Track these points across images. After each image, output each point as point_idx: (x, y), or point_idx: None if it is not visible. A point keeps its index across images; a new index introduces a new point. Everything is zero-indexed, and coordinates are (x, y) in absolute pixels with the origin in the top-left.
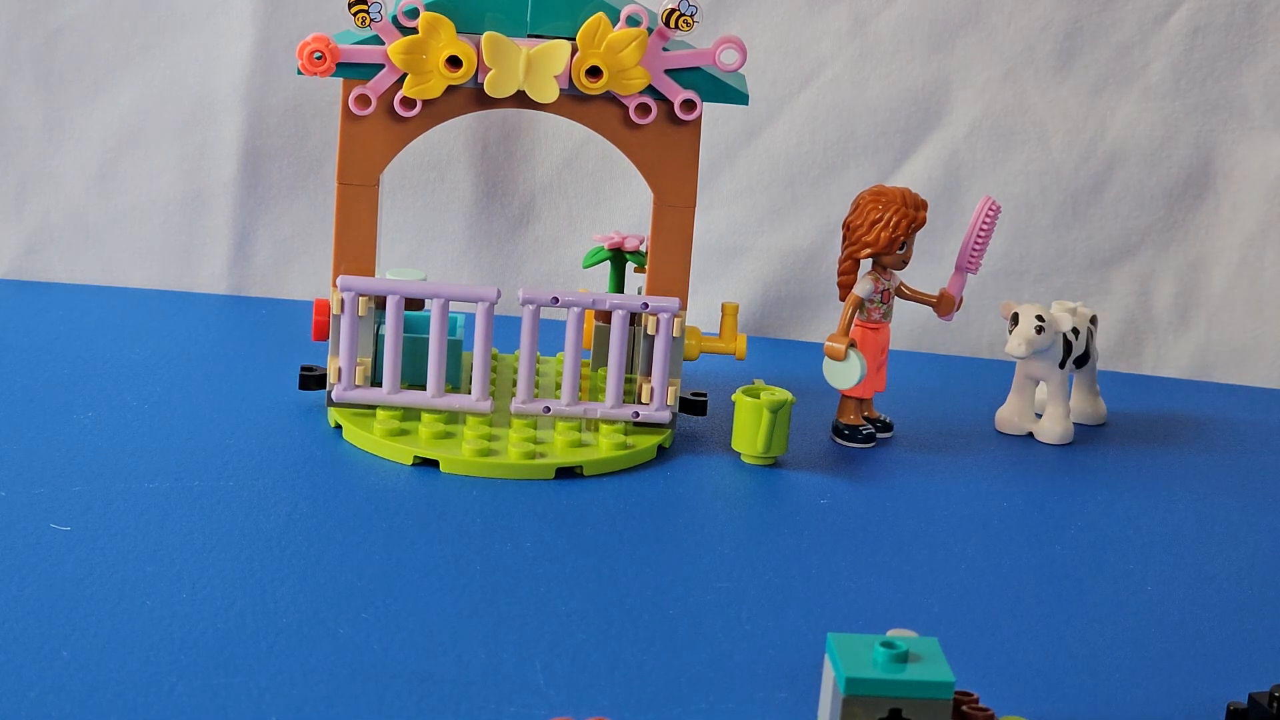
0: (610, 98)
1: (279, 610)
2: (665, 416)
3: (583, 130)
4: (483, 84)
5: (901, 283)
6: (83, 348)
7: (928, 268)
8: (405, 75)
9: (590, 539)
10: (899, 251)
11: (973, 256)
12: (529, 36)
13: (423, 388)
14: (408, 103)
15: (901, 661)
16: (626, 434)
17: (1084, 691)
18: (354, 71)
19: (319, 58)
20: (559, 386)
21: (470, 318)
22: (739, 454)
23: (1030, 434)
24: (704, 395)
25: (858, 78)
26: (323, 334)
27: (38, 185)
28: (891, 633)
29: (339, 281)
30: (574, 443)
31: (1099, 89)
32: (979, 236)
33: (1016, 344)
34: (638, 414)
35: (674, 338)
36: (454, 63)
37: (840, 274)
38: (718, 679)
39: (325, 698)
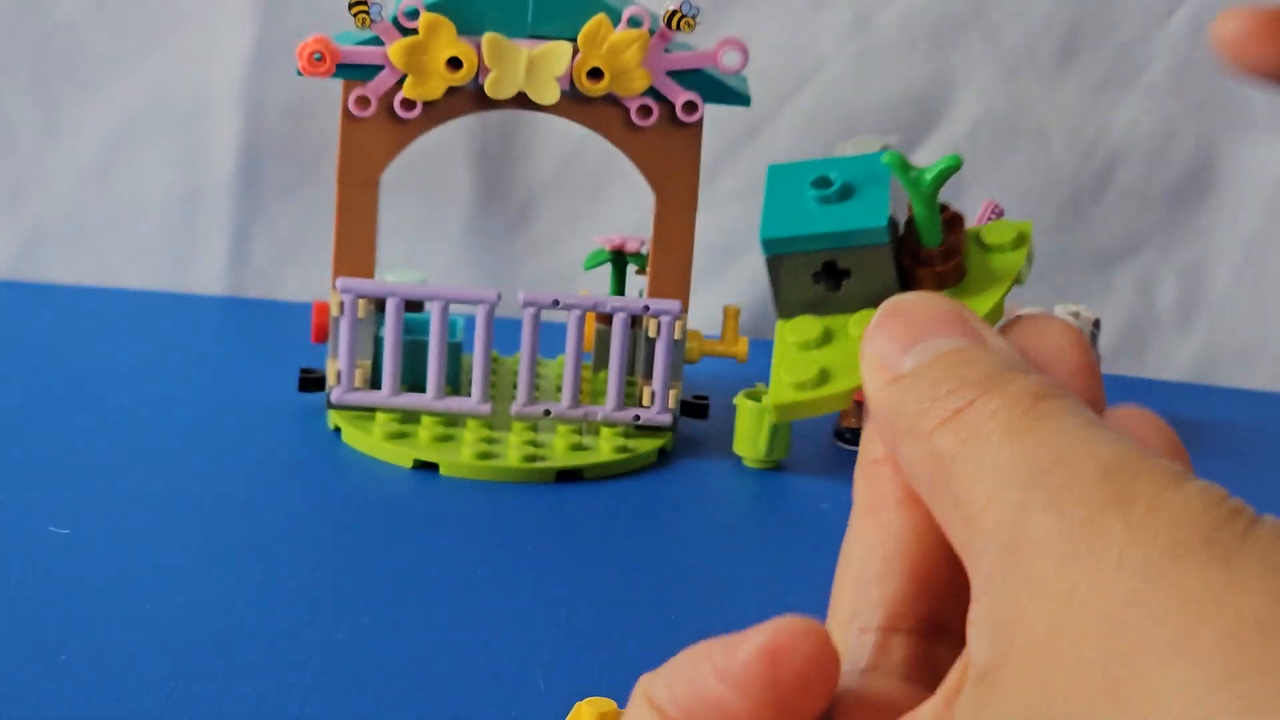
0: (612, 99)
1: (277, 614)
2: (666, 420)
3: (581, 130)
4: (483, 85)
5: None
6: (79, 349)
7: None
8: (405, 76)
9: (591, 543)
10: None
11: None
12: (530, 38)
13: (422, 390)
14: (408, 104)
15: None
16: (627, 437)
17: None
18: (354, 73)
19: (319, 59)
20: (559, 389)
21: (470, 320)
22: (740, 457)
23: None
24: (705, 399)
25: (858, 76)
26: (323, 336)
27: (33, 185)
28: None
29: (338, 284)
30: (575, 446)
31: (1100, 88)
32: None
33: None
34: (639, 417)
35: (675, 341)
36: (454, 64)
37: None
38: None
39: (324, 702)
